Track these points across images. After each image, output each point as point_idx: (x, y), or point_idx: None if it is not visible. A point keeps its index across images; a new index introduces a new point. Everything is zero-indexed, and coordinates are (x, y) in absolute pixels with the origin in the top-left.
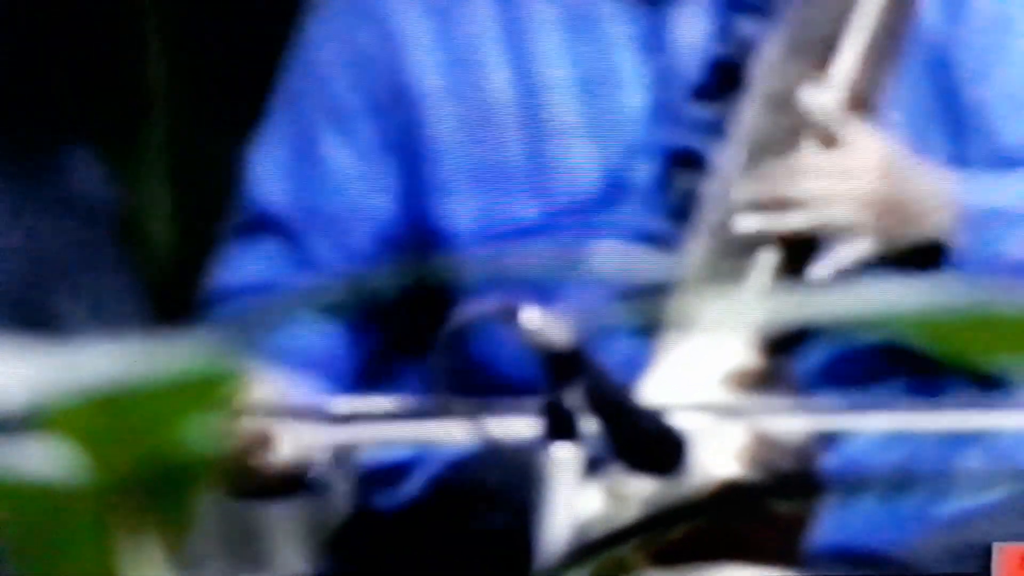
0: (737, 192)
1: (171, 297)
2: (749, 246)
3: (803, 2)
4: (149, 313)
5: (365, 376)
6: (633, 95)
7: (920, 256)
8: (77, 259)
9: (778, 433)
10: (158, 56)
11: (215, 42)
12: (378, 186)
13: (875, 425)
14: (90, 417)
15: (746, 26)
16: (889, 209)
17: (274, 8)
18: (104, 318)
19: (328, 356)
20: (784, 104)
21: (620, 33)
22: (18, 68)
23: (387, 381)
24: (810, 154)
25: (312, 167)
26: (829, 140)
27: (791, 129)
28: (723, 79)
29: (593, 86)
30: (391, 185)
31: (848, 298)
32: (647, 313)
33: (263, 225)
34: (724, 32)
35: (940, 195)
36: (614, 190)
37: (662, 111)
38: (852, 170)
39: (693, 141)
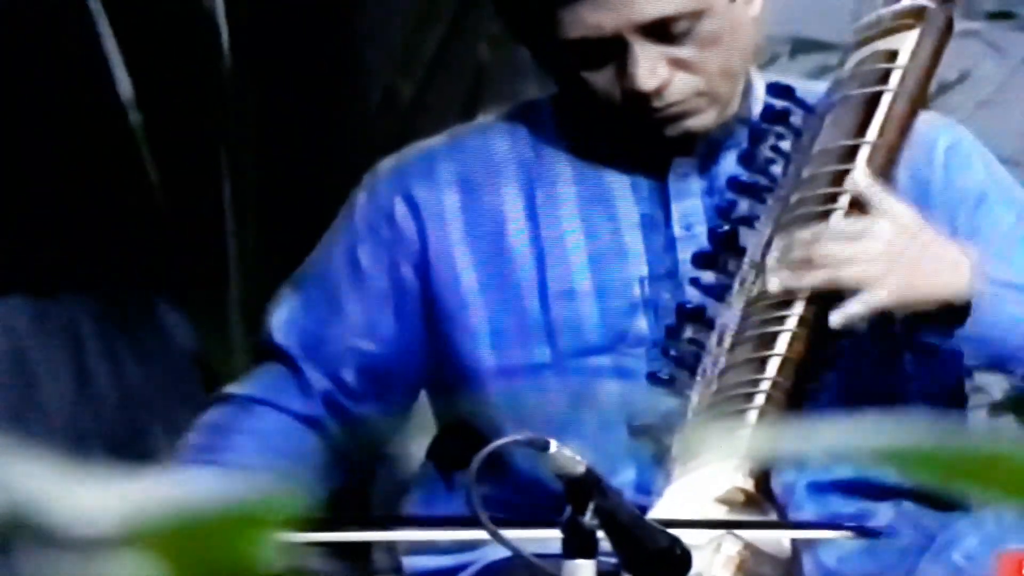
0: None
1: None
2: (746, 391)
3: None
4: None
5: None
6: (639, 262)
7: (940, 315)
8: (164, 400)
9: (766, 546)
10: (234, 225)
11: (282, 214)
12: (371, 332)
13: (849, 535)
14: (172, 537)
15: (741, 203)
16: (912, 267)
17: (332, 181)
18: None
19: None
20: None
21: (628, 210)
22: (114, 238)
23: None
24: (839, 220)
25: (331, 309)
26: (859, 206)
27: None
28: (720, 248)
29: (604, 255)
30: (385, 331)
31: (827, 434)
32: (654, 444)
33: (271, 352)
34: (721, 209)
35: (960, 261)
36: (620, 341)
37: (665, 275)
38: (872, 232)
39: (694, 300)
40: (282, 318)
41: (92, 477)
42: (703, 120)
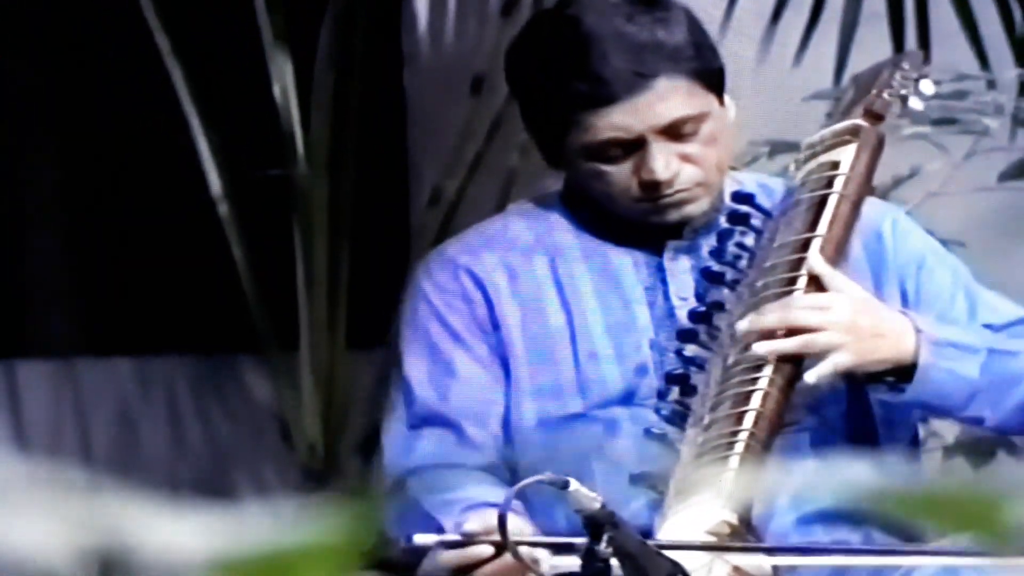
0: (746, 325)
1: (320, 477)
2: (728, 441)
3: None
4: (303, 490)
5: None
6: (646, 329)
7: (890, 374)
8: (247, 450)
9: (751, 568)
10: (305, 299)
11: (347, 289)
12: (495, 386)
13: (827, 563)
14: (254, 569)
15: (714, 290)
16: (868, 335)
17: (388, 262)
18: (268, 495)
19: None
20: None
21: (633, 285)
22: (204, 309)
23: None
24: (803, 295)
25: (450, 376)
26: (816, 284)
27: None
28: (698, 325)
29: (618, 324)
30: (503, 385)
31: (798, 476)
32: (656, 485)
33: (427, 420)
34: (698, 294)
35: (905, 329)
36: (635, 395)
37: (661, 345)
38: (836, 305)
39: (681, 368)
40: (419, 393)
41: (183, 516)
42: (699, 206)
